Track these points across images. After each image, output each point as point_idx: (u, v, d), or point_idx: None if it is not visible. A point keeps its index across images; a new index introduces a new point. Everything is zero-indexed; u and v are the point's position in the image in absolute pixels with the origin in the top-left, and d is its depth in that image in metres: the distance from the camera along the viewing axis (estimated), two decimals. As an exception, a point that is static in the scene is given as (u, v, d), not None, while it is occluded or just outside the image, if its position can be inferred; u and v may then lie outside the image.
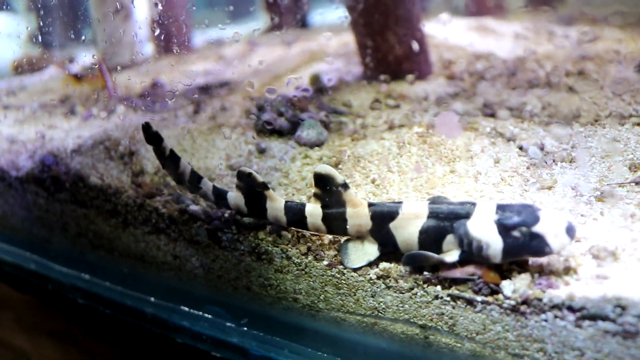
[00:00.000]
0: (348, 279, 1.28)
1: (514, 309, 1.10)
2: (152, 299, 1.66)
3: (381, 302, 1.25)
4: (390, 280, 1.23)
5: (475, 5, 2.98)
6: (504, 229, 1.10)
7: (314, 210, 1.31)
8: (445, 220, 1.17)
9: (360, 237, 1.29)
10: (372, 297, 1.26)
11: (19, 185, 2.01)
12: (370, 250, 1.27)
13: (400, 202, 1.24)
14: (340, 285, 1.30)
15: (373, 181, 1.52)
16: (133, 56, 2.08)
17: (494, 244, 1.11)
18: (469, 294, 1.15)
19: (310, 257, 1.34)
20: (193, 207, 1.55)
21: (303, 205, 1.33)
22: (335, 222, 1.30)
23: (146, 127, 1.43)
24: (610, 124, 1.58)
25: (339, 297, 1.31)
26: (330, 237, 1.38)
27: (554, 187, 1.38)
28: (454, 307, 1.16)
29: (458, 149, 1.56)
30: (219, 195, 1.45)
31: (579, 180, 1.39)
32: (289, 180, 1.60)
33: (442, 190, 1.43)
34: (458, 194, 1.41)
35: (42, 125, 2.30)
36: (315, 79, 2.00)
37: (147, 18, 2.05)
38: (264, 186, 1.35)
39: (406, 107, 1.87)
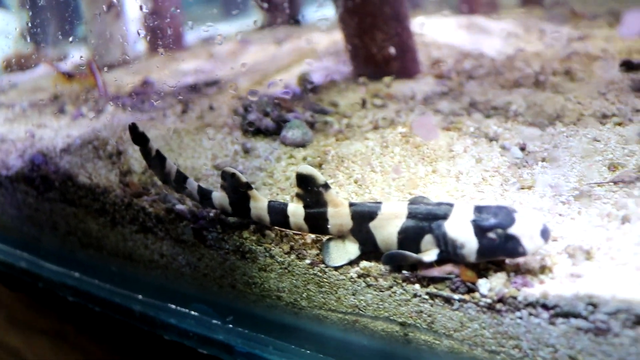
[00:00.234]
0: (330, 277, 1.30)
1: (490, 307, 1.12)
2: (140, 296, 1.67)
3: (362, 300, 1.27)
4: (370, 279, 1.25)
5: (467, 3, 2.99)
6: (480, 230, 1.12)
7: (296, 210, 1.33)
8: (424, 221, 1.19)
9: (341, 236, 1.31)
10: (353, 295, 1.28)
11: (9, 184, 2.03)
12: (351, 249, 1.29)
13: (379, 203, 1.26)
14: (322, 283, 1.32)
15: (356, 181, 1.53)
16: (123, 55, 2.09)
17: (470, 244, 1.13)
18: (446, 292, 1.16)
19: (293, 256, 1.36)
20: (179, 207, 1.57)
21: (286, 205, 1.35)
22: (316, 221, 1.31)
23: (133, 128, 1.45)
24: (592, 124, 1.59)
25: (321, 295, 1.33)
26: (312, 236, 1.39)
27: (534, 187, 1.40)
28: (432, 305, 1.18)
29: (441, 148, 1.58)
30: (204, 195, 1.47)
31: (559, 179, 1.40)
32: (274, 180, 1.61)
33: (423, 190, 1.45)
34: (439, 194, 1.43)
35: (31, 124, 2.31)
36: (303, 79, 2.01)
37: (139, 16, 2.06)
38: (248, 186, 1.37)
39: (393, 106, 1.88)
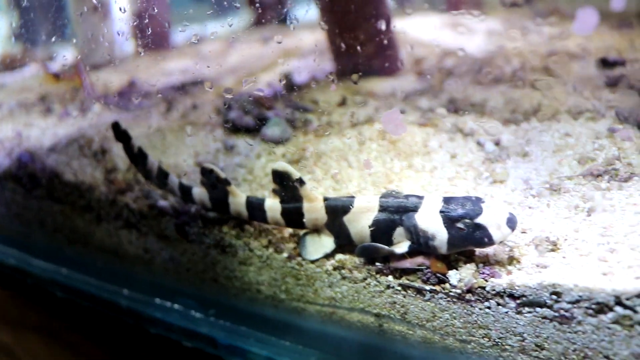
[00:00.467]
0: (306, 270, 1.34)
1: (460, 297, 1.15)
2: (126, 291, 1.70)
3: (338, 292, 1.31)
4: (345, 271, 1.29)
5: (452, 2, 2.99)
6: (449, 221, 1.16)
7: (273, 205, 1.37)
8: (395, 214, 1.23)
9: (317, 230, 1.35)
10: (330, 287, 1.31)
11: (-3, 182, 2.06)
12: (326, 242, 1.33)
13: (353, 197, 1.29)
14: (299, 276, 1.35)
15: (333, 177, 1.56)
16: (110, 55, 2.12)
17: (440, 235, 1.16)
18: (418, 284, 1.20)
19: (271, 250, 1.40)
20: (162, 203, 1.60)
21: (263, 201, 1.39)
22: (292, 216, 1.35)
23: (115, 126, 1.49)
24: (565, 119, 1.62)
25: (299, 287, 1.36)
26: (290, 230, 1.43)
27: (506, 181, 1.43)
28: (404, 296, 1.22)
29: (416, 144, 1.61)
30: (185, 191, 1.50)
31: (530, 173, 1.43)
32: (254, 176, 1.64)
33: (398, 185, 1.48)
34: (414, 188, 1.46)
35: (19, 124, 2.33)
36: (287, 77, 2.03)
37: (126, 15, 2.08)
38: (226, 182, 1.41)
39: (374, 104, 1.91)
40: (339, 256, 1.31)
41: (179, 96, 2.20)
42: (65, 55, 2.32)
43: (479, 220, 1.14)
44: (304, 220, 1.33)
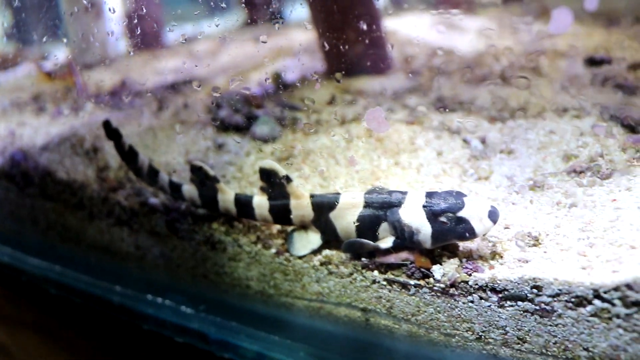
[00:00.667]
0: (294, 265, 1.36)
1: (444, 292, 1.17)
2: (119, 288, 1.71)
3: (325, 287, 1.33)
4: (332, 266, 1.31)
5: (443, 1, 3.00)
6: (432, 215, 1.18)
7: (260, 202, 1.39)
8: (380, 209, 1.25)
9: (304, 226, 1.37)
10: (317, 282, 1.34)
11: (-10, 181, 2.07)
12: (313, 238, 1.35)
13: (338, 194, 1.31)
14: (287, 271, 1.37)
15: (320, 174, 1.58)
16: (102, 54, 2.13)
17: (423, 229, 1.18)
18: (403, 278, 1.22)
19: (259, 246, 1.42)
20: (152, 200, 1.62)
21: (251, 198, 1.41)
22: (280, 212, 1.37)
23: (106, 124, 1.51)
24: (551, 117, 1.64)
25: (287, 283, 1.38)
26: (278, 226, 1.45)
27: (490, 178, 1.45)
28: (390, 291, 1.24)
29: (403, 142, 1.63)
30: (175, 188, 1.52)
31: (515, 170, 1.46)
32: (243, 174, 1.66)
33: (385, 182, 1.50)
34: (401, 185, 1.48)
35: (13, 123, 2.34)
36: (277, 76, 2.05)
37: (117, 15, 2.09)
38: (215, 179, 1.43)
39: (363, 102, 1.93)
40: (326, 252, 1.33)
41: (170, 95, 2.21)
42: (58, 54, 2.34)
43: (461, 213, 1.16)
44: (291, 216, 1.36)
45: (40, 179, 1.89)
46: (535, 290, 1.08)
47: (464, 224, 1.16)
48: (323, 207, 1.31)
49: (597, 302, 1.03)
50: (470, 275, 1.15)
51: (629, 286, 1.00)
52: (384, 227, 1.24)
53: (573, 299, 1.05)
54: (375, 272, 1.25)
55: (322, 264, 1.32)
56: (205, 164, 1.44)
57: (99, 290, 1.74)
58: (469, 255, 1.21)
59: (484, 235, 1.18)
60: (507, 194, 1.38)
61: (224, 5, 1.43)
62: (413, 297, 1.21)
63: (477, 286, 1.14)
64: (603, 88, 1.75)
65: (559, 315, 1.07)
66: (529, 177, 1.42)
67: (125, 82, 2.26)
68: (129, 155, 1.53)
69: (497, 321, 1.13)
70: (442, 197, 1.19)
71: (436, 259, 1.22)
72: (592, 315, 1.04)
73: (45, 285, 1.86)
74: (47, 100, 2.45)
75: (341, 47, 2.01)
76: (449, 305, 1.17)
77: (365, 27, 1.96)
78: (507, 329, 1.12)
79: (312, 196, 1.33)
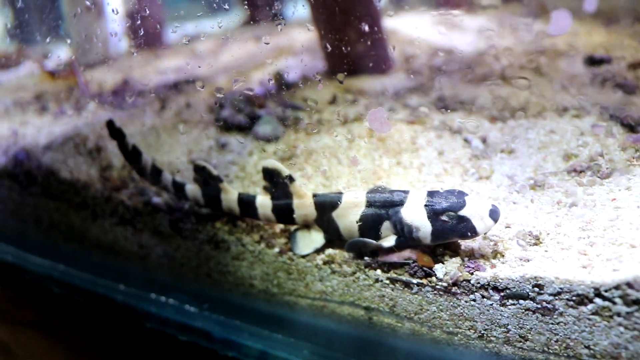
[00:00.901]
0: (298, 264, 1.37)
1: (446, 290, 1.18)
2: (122, 286, 1.72)
3: (328, 285, 1.34)
4: (335, 265, 1.32)
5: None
6: (433, 214, 1.19)
7: (264, 202, 1.40)
8: (382, 208, 1.26)
9: (307, 225, 1.38)
10: (320, 281, 1.35)
11: (-7, 180, 2.08)
12: (316, 238, 1.36)
13: (341, 193, 1.32)
14: (290, 270, 1.38)
15: (323, 174, 1.59)
16: (104, 54, 2.14)
17: (424, 228, 1.20)
18: (405, 277, 1.23)
19: (263, 245, 1.43)
20: (156, 199, 1.63)
21: (254, 197, 1.42)
22: (283, 212, 1.39)
23: (110, 124, 1.52)
24: (551, 116, 1.65)
25: (290, 282, 1.40)
26: (281, 226, 1.46)
27: (492, 177, 1.47)
28: (393, 290, 1.25)
29: (405, 142, 1.64)
30: (178, 188, 1.53)
31: (516, 170, 1.47)
32: (246, 174, 1.67)
33: (387, 181, 1.51)
34: (402, 185, 1.49)
35: (15, 122, 2.35)
36: (278, 76, 2.05)
37: (119, 15, 2.10)
38: (218, 179, 1.44)
39: (364, 102, 1.94)
40: (329, 251, 1.34)
41: (172, 95, 2.22)
42: (60, 54, 2.34)
43: (462, 212, 1.17)
44: (294, 216, 1.37)
45: (43, 178, 1.90)
46: (536, 289, 1.09)
47: (465, 223, 1.17)
48: (326, 207, 1.32)
49: (598, 300, 1.04)
50: (472, 274, 1.16)
51: (629, 284, 1.01)
52: (386, 226, 1.25)
53: (574, 298, 1.06)
54: (378, 271, 1.26)
55: (325, 263, 1.33)
56: (209, 163, 1.45)
57: (102, 289, 1.75)
58: (471, 254, 1.22)
59: (485, 234, 1.19)
60: (508, 193, 1.39)
61: (227, 7, 1.43)
62: (416, 295, 1.22)
63: (479, 285, 1.15)
64: (603, 87, 1.75)
65: (561, 314, 1.08)
66: (530, 177, 1.43)
67: (127, 82, 2.27)
68: (132, 154, 1.54)
69: (499, 319, 1.14)
70: (444, 196, 1.20)
71: (438, 258, 1.23)
72: (593, 314, 1.05)
73: (48, 284, 1.86)
74: (50, 100, 2.46)
75: (342, 47, 2.01)
76: (451, 303, 1.18)
77: (366, 27, 1.97)
78: (509, 327, 1.13)
79: (314, 196, 1.34)
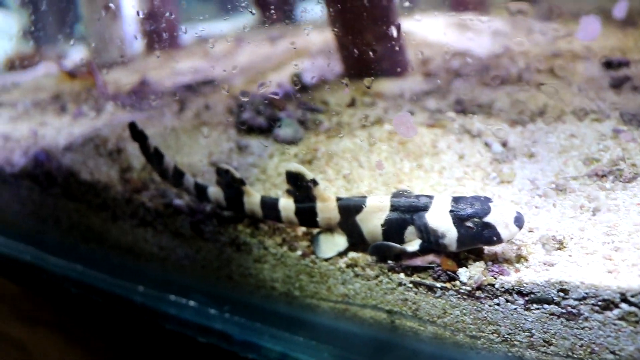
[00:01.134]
0: (320, 267, 1.37)
1: (470, 294, 1.19)
2: (141, 288, 1.73)
3: (351, 289, 1.34)
4: (358, 269, 1.33)
5: (457, 2, 3.00)
6: (458, 220, 1.19)
7: (287, 205, 1.41)
8: (406, 213, 1.27)
9: (330, 229, 1.38)
10: (343, 284, 1.35)
11: (14, 181, 2.08)
12: (339, 241, 1.37)
13: (365, 197, 1.33)
14: (313, 273, 1.39)
15: (344, 177, 1.60)
16: (121, 55, 2.15)
17: (449, 234, 1.20)
18: (429, 281, 1.24)
19: (285, 248, 1.43)
20: (177, 201, 1.64)
21: (277, 200, 1.43)
22: (306, 215, 1.39)
23: (132, 126, 1.53)
24: (571, 120, 1.65)
25: (313, 284, 1.40)
26: (303, 228, 1.47)
27: (513, 181, 1.47)
28: (416, 293, 1.25)
29: (425, 145, 1.64)
30: (200, 190, 1.54)
31: (537, 174, 1.47)
32: (267, 176, 1.68)
33: (408, 184, 1.51)
34: (424, 188, 1.49)
35: (34, 123, 2.36)
36: (296, 78, 2.06)
37: (137, 15, 2.11)
38: (241, 182, 1.45)
39: (382, 104, 1.94)
40: (352, 254, 1.35)
41: (191, 96, 2.23)
42: (78, 54, 2.36)
43: (488, 219, 1.17)
44: (318, 219, 1.37)
45: (63, 179, 1.91)
46: (561, 294, 1.10)
47: (490, 230, 1.17)
48: (350, 210, 1.33)
49: (624, 305, 1.04)
50: (496, 278, 1.17)
51: (656, 290, 1.01)
52: (411, 230, 1.26)
53: (600, 303, 1.06)
54: (402, 275, 1.27)
55: (348, 266, 1.33)
56: (231, 166, 1.46)
57: (121, 290, 1.75)
58: (494, 259, 1.22)
59: (508, 240, 1.19)
60: (530, 198, 1.39)
61: (253, 12, 1.44)
62: (439, 299, 1.22)
63: (503, 289, 1.15)
64: (621, 90, 1.75)
65: (586, 319, 1.08)
66: (551, 181, 1.43)
67: (145, 83, 2.28)
68: (154, 157, 1.55)
69: (523, 324, 1.14)
70: (469, 202, 1.21)
71: (462, 262, 1.23)
72: (619, 319, 1.05)
73: (66, 284, 1.87)
74: (68, 100, 2.47)
75: (360, 49, 2.02)
76: (475, 307, 1.19)
77: (384, 29, 1.97)
78: (533, 331, 1.14)
79: (338, 199, 1.35)
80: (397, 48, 2.08)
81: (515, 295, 1.14)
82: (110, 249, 1.84)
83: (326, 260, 1.37)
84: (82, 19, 2.51)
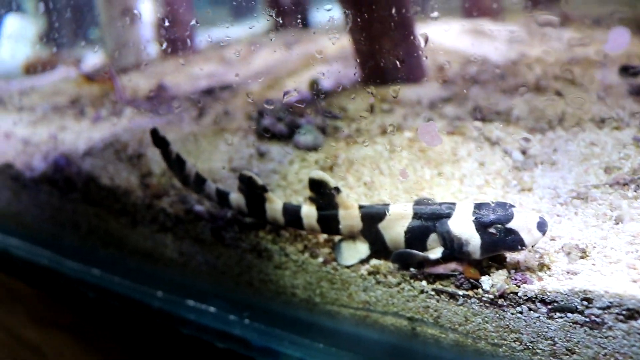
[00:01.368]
0: (341, 274, 1.38)
1: (492, 302, 1.19)
2: (160, 293, 1.74)
3: (372, 296, 1.35)
4: (380, 276, 1.33)
5: (471, 7, 3.00)
6: (481, 227, 1.20)
7: (309, 212, 1.41)
8: (429, 220, 1.27)
9: (352, 236, 1.39)
10: (364, 291, 1.36)
11: (33, 185, 2.10)
12: (361, 248, 1.37)
13: (387, 204, 1.33)
14: (334, 280, 1.39)
15: (365, 184, 1.60)
16: (138, 59, 2.16)
17: (473, 240, 1.20)
18: (451, 289, 1.24)
19: (306, 255, 1.44)
20: (198, 207, 1.65)
21: (299, 207, 1.43)
22: (329, 222, 1.40)
23: (154, 132, 1.54)
24: (590, 128, 1.65)
25: (334, 291, 1.41)
26: (324, 235, 1.47)
27: (534, 189, 1.47)
28: (438, 301, 1.26)
29: (445, 152, 1.65)
30: (222, 197, 1.55)
31: (558, 182, 1.47)
32: (287, 182, 1.69)
33: (429, 192, 1.52)
34: (445, 196, 1.50)
35: (54, 127, 2.38)
36: (314, 84, 2.06)
37: (153, 20, 2.12)
38: (264, 189, 1.46)
39: (400, 111, 1.94)
40: (374, 261, 1.35)
41: (209, 101, 2.24)
42: (96, 58, 2.37)
43: (511, 225, 1.18)
44: (340, 227, 1.38)
45: (83, 184, 1.92)
46: (585, 302, 1.10)
47: (513, 236, 1.17)
48: (372, 218, 1.33)
49: (649, 315, 1.04)
50: (519, 286, 1.17)
51: (682, 300, 1.01)
52: (433, 237, 1.26)
53: (624, 312, 1.06)
54: (424, 282, 1.27)
55: (370, 273, 1.34)
56: (254, 173, 1.47)
57: (139, 295, 1.76)
58: (517, 267, 1.22)
59: (532, 246, 1.19)
60: (552, 206, 1.39)
61: (280, 20, 1.45)
62: (461, 307, 1.22)
63: (526, 297, 1.15)
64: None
65: (609, 328, 1.08)
66: (572, 189, 1.43)
67: (163, 87, 2.29)
68: (176, 163, 1.56)
69: (546, 332, 1.14)
70: (491, 209, 1.21)
71: (484, 271, 1.24)
72: (643, 329, 1.05)
73: (84, 289, 1.88)
74: (86, 104, 2.48)
75: (377, 55, 2.02)
76: (497, 315, 1.19)
77: (400, 35, 1.97)
78: (556, 340, 1.13)
79: (361, 207, 1.35)
80: (414, 54, 2.08)
81: (538, 304, 1.14)
82: (129, 254, 1.84)
83: (348, 267, 1.37)
84: (99, 24, 2.53)
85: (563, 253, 1.22)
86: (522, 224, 1.18)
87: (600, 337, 1.09)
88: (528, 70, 2.13)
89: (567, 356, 1.13)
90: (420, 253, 1.26)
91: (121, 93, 2.15)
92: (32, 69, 2.64)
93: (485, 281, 1.21)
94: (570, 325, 1.12)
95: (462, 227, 1.22)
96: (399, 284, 1.30)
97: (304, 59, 2.50)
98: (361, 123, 1.87)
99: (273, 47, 2.67)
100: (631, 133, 1.58)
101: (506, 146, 1.64)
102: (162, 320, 1.68)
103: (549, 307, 1.13)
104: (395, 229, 1.30)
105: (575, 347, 1.12)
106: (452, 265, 1.25)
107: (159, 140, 1.55)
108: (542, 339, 1.15)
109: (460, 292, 1.22)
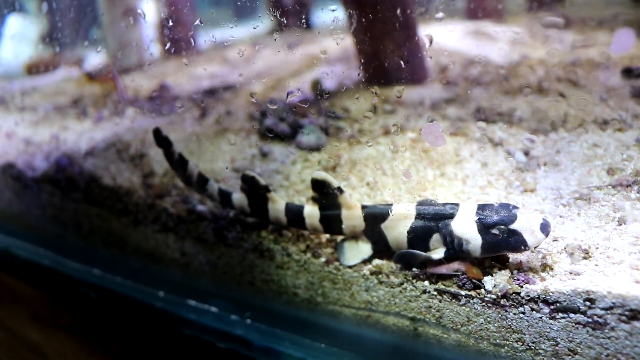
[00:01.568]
0: (344, 274, 1.38)
1: (495, 303, 1.19)
2: (161, 293, 1.73)
3: (374, 296, 1.35)
4: (382, 276, 1.33)
5: (475, 8, 2.99)
6: (484, 227, 1.20)
7: (312, 212, 1.41)
8: (432, 221, 1.27)
9: (354, 236, 1.39)
10: (366, 291, 1.35)
11: (35, 185, 2.10)
12: (364, 248, 1.37)
13: (390, 205, 1.33)
14: (336, 280, 1.39)
15: (368, 184, 1.60)
16: (140, 59, 2.16)
17: (475, 241, 1.20)
18: (454, 289, 1.24)
19: (309, 254, 1.44)
20: (200, 207, 1.65)
21: (302, 207, 1.43)
22: (331, 222, 1.40)
23: (156, 132, 1.54)
24: (592, 130, 1.65)
25: (336, 291, 1.40)
26: (327, 235, 1.47)
27: (536, 190, 1.47)
28: (440, 301, 1.25)
29: (448, 153, 1.65)
30: (224, 197, 1.54)
31: (560, 183, 1.47)
32: (290, 183, 1.68)
33: (432, 193, 1.52)
34: (447, 196, 1.50)
35: (56, 127, 2.38)
36: (316, 85, 2.06)
37: (155, 21, 2.12)
38: (266, 189, 1.45)
39: (403, 112, 1.94)
40: (376, 261, 1.35)
41: (211, 101, 2.23)
42: (97, 58, 2.37)
43: (514, 226, 1.17)
44: (343, 227, 1.38)
45: (85, 184, 1.92)
46: (588, 303, 1.10)
47: (516, 237, 1.17)
48: (375, 218, 1.33)
49: (652, 316, 1.04)
50: (521, 286, 1.17)
51: (685, 301, 1.01)
52: (436, 238, 1.26)
53: (627, 312, 1.06)
54: (426, 282, 1.27)
55: (372, 273, 1.34)
56: (256, 173, 1.46)
57: (140, 295, 1.76)
58: (520, 267, 1.22)
59: (535, 247, 1.19)
60: (554, 207, 1.39)
61: (284, 20, 1.45)
62: (463, 307, 1.22)
63: (528, 297, 1.15)
64: (642, 100, 1.75)
65: (612, 328, 1.08)
66: (574, 190, 1.43)
67: (165, 87, 2.29)
68: (178, 163, 1.56)
69: (548, 332, 1.14)
70: (494, 210, 1.21)
71: (487, 271, 1.23)
72: (646, 329, 1.05)
73: (85, 289, 1.88)
74: (88, 104, 2.48)
75: (379, 56, 2.02)
76: (499, 315, 1.19)
77: (403, 36, 1.97)
78: (558, 340, 1.13)
79: (363, 207, 1.35)
80: (416, 55, 2.08)
81: (540, 304, 1.14)
82: (131, 253, 1.84)
83: (350, 267, 1.37)
84: (102, 24, 2.53)
85: (566, 254, 1.22)
86: (525, 225, 1.18)
87: (603, 338, 1.09)
88: (531, 71, 2.13)
89: (570, 357, 1.13)
90: (423, 253, 1.26)
91: (123, 93, 2.14)
92: (34, 69, 2.64)
93: (488, 281, 1.21)
94: (573, 326, 1.11)
95: (465, 227, 1.22)
96: (401, 284, 1.30)
97: (307, 60, 2.50)
98: (364, 123, 1.87)
99: (277, 47, 2.66)
100: (634, 135, 1.57)
101: (509, 147, 1.64)
102: (164, 321, 1.67)
103: (552, 307, 1.13)
104: (397, 229, 1.30)
105: (577, 348, 1.12)
106: (455, 266, 1.25)
107: (161, 140, 1.55)
108: (544, 339, 1.15)
109: (463, 292, 1.22)
